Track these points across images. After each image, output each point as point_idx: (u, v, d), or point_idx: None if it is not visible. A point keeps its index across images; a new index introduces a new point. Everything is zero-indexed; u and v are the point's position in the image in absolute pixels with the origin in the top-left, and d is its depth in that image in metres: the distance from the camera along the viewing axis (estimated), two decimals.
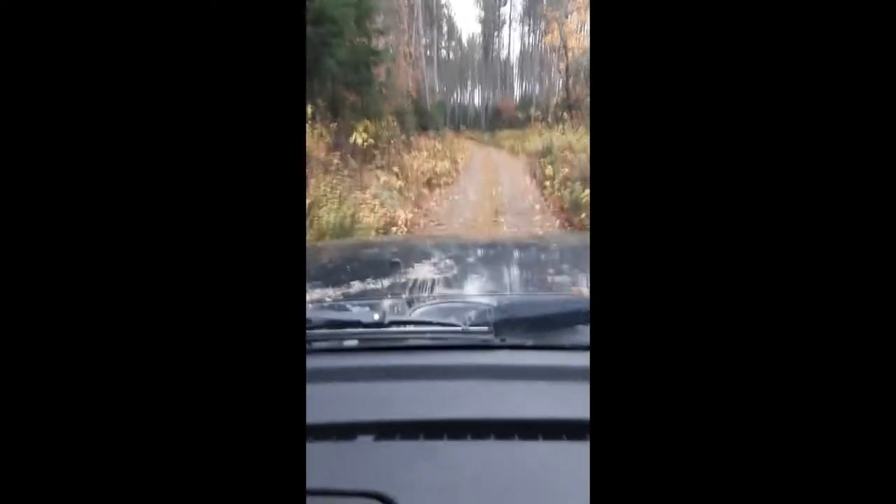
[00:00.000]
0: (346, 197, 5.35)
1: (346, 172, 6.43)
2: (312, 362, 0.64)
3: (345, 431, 0.55)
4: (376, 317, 0.76)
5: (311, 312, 0.79)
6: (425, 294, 1.03)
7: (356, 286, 1.07)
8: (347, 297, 1.02)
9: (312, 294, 1.03)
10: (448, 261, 1.23)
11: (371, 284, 1.08)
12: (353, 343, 0.75)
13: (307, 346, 0.73)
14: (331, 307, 0.93)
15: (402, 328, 0.77)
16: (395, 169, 7.84)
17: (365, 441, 0.53)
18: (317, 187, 5.14)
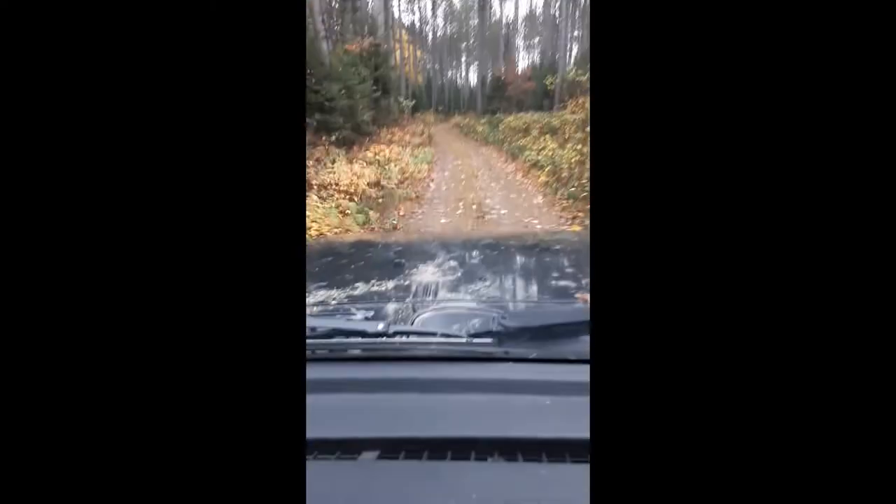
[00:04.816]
0: None
1: None
2: (315, 372, 0.64)
3: (347, 448, 0.55)
4: (380, 327, 0.77)
5: (315, 320, 0.80)
6: (429, 298, 1.02)
7: (360, 288, 1.07)
8: (351, 299, 1.02)
9: (315, 296, 1.02)
10: (452, 262, 1.22)
11: (375, 286, 1.08)
12: (356, 352, 0.76)
13: (310, 354, 0.74)
14: (334, 313, 0.94)
15: (405, 339, 0.78)
16: None
17: (368, 459, 0.53)
18: None
